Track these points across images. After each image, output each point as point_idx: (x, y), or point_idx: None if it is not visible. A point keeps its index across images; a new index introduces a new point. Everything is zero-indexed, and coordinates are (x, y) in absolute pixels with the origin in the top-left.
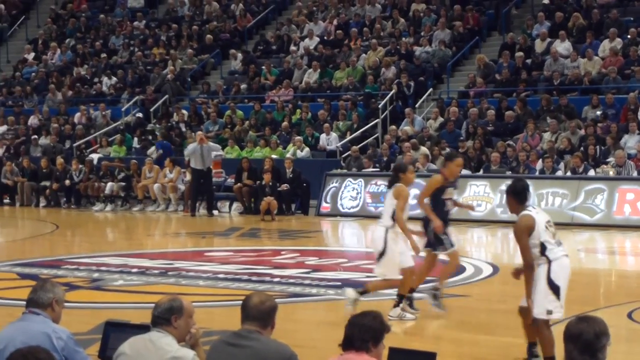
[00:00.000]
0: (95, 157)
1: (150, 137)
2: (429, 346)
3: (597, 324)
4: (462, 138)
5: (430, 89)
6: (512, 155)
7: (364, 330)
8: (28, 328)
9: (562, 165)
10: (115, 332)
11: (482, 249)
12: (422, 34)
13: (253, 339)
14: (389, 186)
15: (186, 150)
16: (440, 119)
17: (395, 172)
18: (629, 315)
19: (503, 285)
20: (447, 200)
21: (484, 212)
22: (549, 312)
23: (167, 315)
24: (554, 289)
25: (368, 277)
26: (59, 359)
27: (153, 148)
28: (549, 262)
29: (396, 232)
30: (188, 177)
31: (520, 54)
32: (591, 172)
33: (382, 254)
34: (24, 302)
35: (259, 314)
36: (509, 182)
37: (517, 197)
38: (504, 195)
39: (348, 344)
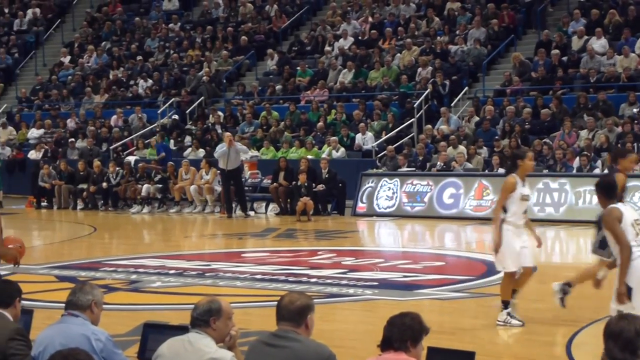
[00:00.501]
0: (132, 159)
1: (185, 139)
2: (468, 346)
3: (637, 322)
4: (497, 137)
5: (466, 88)
6: (549, 153)
7: (403, 330)
8: (67, 330)
9: (599, 162)
10: (153, 333)
11: None
12: (457, 32)
13: (291, 339)
14: (506, 174)
15: (215, 152)
16: (476, 118)
17: (512, 160)
18: None
19: (541, 284)
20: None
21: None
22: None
23: (206, 317)
24: (627, 290)
25: (405, 276)
26: None
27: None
28: None
29: (516, 225)
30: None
31: (556, 51)
32: None
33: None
34: (62, 305)
35: (289, 314)
36: (545, 180)
37: (605, 192)
38: (592, 191)
39: (387, 344)
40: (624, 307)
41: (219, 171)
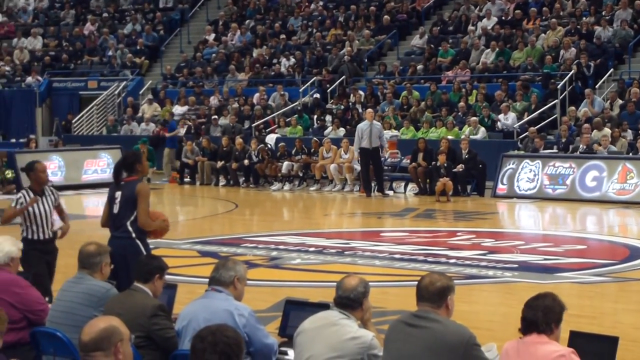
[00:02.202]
0: (273, 137)
1: (326, 118)
2: (609, 330)
3: None
4: None
5: (611, 70)
6: None
7: (547, 313)
8: (211, 305)
9: None
10: (295, 310)
11: None
12: (603, 13)
13: (432, 319)
14: None
15: (357, 129)
16: (620, 101)
17: None
18: None
19: None
20: None
21: None
22: None
23: (354, 298)
24: None
25: (545, 259)
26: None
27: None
28: None
29: None
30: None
31: None
32: None
33: None
34: (204, 279)
35: (428, 294)
36: None
37: None
38: None
39: (530, 327)
40: None
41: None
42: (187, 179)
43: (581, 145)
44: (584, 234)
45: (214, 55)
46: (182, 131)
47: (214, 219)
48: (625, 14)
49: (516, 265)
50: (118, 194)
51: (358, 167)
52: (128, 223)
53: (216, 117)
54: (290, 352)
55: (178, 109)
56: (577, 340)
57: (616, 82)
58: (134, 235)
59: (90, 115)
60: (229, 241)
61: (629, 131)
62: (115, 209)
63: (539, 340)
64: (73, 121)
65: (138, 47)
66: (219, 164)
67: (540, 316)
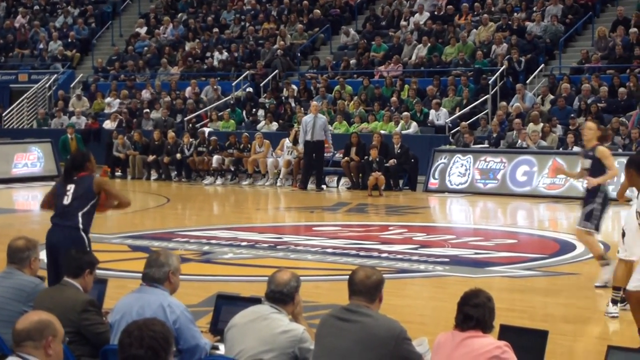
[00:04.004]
0: (205, 131)
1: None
2: (539, 324)
3: None
4: (573, 115)
5: (542, 65)
6: (625, 132)
7: (491, 312)
8: (144, 300)
9: None
10: (226, 305)
11: None
12: (534, 9)
13: (363, 314)
14: None
15: (302, 122)
16: (550, 96)
17: None
18: None
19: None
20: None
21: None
22: None
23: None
24: None
25: (476, 253)
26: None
27: None
28: None
29: None
30: (297, 151)
31: (635, 29)
32: None
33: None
34: (135, 274)
35: (365, 288)
36: (621, 159)
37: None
38: (623, 169)
39: (472, 324)
40: None
41: (289, 145)
42: (118, 173)
43: (519, 141)
44: (514, 228)
45: (146, 48)
46: (113, 125)
47: (145, 214)
48: (555, 9)
49: (447, 260)
50: (70, 187)
51: (292, 161)
52: (79, 214)
53: (148, 110)
54: (222, 347)
55: (109, 103)
56: (507, 334)
57: (547, 77)
58: (81, 226)
59: (20, 109)
60: (160, 235)
61: (559, 126)
62: (66, 201)
63: (474, 334)
64: (3, 114)
65: (69, 40)
66: (151, 157)
67: (487, 316)
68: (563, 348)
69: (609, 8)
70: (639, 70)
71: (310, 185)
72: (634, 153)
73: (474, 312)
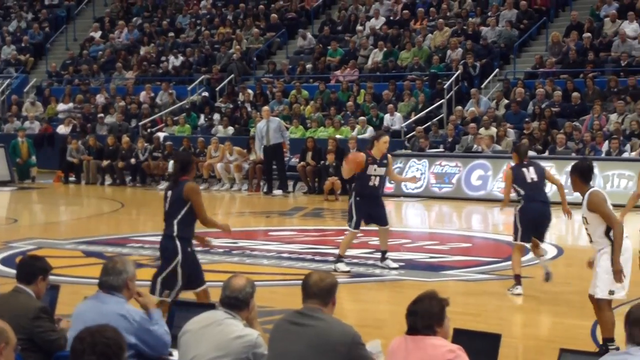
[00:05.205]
0: (160, 135)
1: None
2: (493, 327)
3: None
4: (527, 119)
5: (497, 70)
6: (578, 136)
7: (426, 317)
8: (102, 308)
9: (628, 146)
10: (180, 310)
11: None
12: (489, 14)
13: (317, 318)
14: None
15: (256, 129)
16: (505, 101)
17: None
18: None
19: (567, 267)
20: (372, 177)
21: (549, 193)
22: (611, 293)
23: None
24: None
25: (431, 257)
26: (135, 340)
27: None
28: (613, 243)
29: None
30: (253, 156)
31: (588, 35)
32: None
33: None
34: (89, 280)
35: (319, 291)
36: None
37: (583, 176)
38: (569, 175)
39: (414, 331)
40: (616, 288)
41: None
42: (72, 178)
43: (475, 146)
44: (469, 232)
45: (100, 52)
46: (67, 129)
47: (99, 219)
48: (510, 14)
49: (403, 264)
50: (169, 193)
51: (246, 166)
52: (175, 222)
53: (102, 115)
54: (175, 353)
55: (63, 107)
56: (460, 337)
57: (501, 82)
58: (175, 234)
59: None
60: (114, 241)
61: (510, 131)
62: (166, 207)
63: (427, 338)
64: None
65: (23, 45)
66: (105, 162)
67: (420, 322)
68: (516, 351)
69: (563, 13)
70: (591, 75)
71: (276, 191)
72: (587, 157)
73: (408, 319)
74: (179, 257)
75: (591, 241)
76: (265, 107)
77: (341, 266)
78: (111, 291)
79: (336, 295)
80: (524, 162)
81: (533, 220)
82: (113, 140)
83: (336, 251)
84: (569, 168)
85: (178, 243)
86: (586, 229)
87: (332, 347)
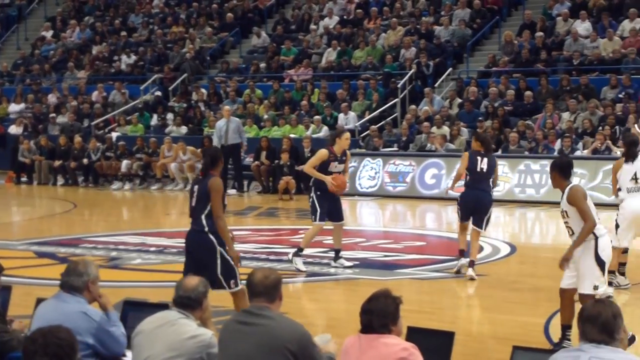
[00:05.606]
0: (113, 135)
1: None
2: (447, 325)
3: (613, 306)
4: (481, 118)
5: (450, 69)
6: (531, 135)
7: (381, 315)
8: (63, 308)
9: (580, 145)
10: (133, 311)
11: (499, 229)
12: (442, 13)
13: (265, 316)
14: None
15: (215, 127)
16: (458, 100)
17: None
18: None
19: (520, 264)
20: (332, 174)
21: (502, 191)
22: (596, 288)
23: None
24: (601, 264)
25: (385, 256)
26: (92, 340)
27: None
28: (596, 238)
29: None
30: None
31: (541, 34)
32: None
33: None
34: (41, 281)
35: (264, 289)
36: (527, 162)
37: (563, 172)
38: (549, 172)
39: (368, 330)
40: (600, 283)
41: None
42: (24, 179)
43: (429, 145)
44: (423, 230)
45: (52, 52)
46: (19, 130)
47: (51, 219)
48: (463, 13)
49: (357, 262)
50: (196, 187)
51: (200, 166)
52: (202, 217)
53: (54, 115)
54: (129, 353)
55: (15, 107)
56: (414, 335)
57: (455, 81)
58: (206, 229)
59: None
60: (66, 242)
61: (464, 130)
62: (193, 202)
63: (381, 337)
64: None
65: None
66: (57, 163)
67: (375, 320)
68: (470, 349)
69: (516, 12)
70: (544, 74)
71: (231, 191)
72: (540, 155)
73: (362, 318)
74: (217, 247)
75: (571, 234)
76: (227, 107)
77: (299, 263)
78: (72, 291)
79: (282, 290)
80: (481, 152)
81: (470, 203)
82: (65, 141)
83: (291, 250)
84: (521, 166)
85: (212, 237)
86: (566, 222)
87: (281, 346)
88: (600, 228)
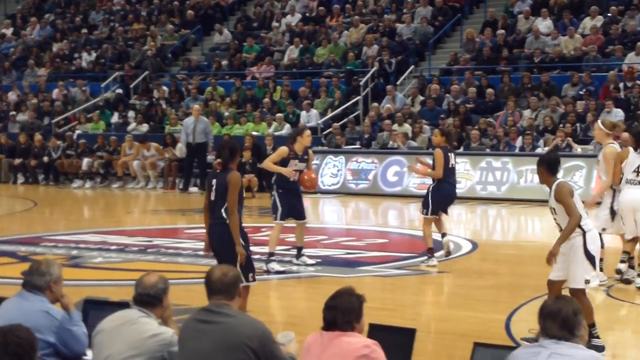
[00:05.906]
0: (74, 133)
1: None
2: (409, 322)
3: (573, 303)
4: (442, 115)
5: (412, 66)
6: (493, 132)
7: (345, 313)
8: (25, 306)
9: (541, 142)
10: (94, 309)
11: (461, 226)
12: (404, 11)
13: (225, 314)
14: None
15: (184, 124)
16: (420, 97)
17: None
18: (607, 292)
19: (482, 261)
20: (293, 172)
21: (463, 189)
22: (587, 282)
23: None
24: (590, 258)
25: (348, 253)
26: (54, 339)
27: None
28: (584, 233)
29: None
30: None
31: (502, 31)
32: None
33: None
34: (1, 280)
35: (223, 286)
36: (488, 159)
37: (550, 168)
38: (534, 170)
39: (332, 327)
40: (591, 277)
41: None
42: None
43: (391, 142)
44: (385, 228)
45: (12, 49)
46: None
47: (11, 218)
48: (425, 11)
49: (319, 260)
50: (214, 181)
51: (162, 164)
52: (222, 210)
53: (14, 113)
54: (89, 353)
55: None
56: (375, 332)
57: (417, 78)
58: (227, 221)
59: None
60: (27, 240)
61: (426, 127)
62: (212, 196)
63: (343, 334)
64: None
65: None
66: (17, 161)
67: (340, 317)
68: (432, 346)
69: (477, 10)
70: (506, 71)
71: (193, 189)
72: (501, 153)
73: (326, 315)
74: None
75: (560, 231)
76: (196, 106)
77: (274, 266)
78: (34, 290)
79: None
80: (448, 148)
81: (444, 197)
82: (25, 138)
83: (252, 248)
84: (483, 164)
85: None
86: (554, 219)
87: (241, 343)
88: (588, 223)
